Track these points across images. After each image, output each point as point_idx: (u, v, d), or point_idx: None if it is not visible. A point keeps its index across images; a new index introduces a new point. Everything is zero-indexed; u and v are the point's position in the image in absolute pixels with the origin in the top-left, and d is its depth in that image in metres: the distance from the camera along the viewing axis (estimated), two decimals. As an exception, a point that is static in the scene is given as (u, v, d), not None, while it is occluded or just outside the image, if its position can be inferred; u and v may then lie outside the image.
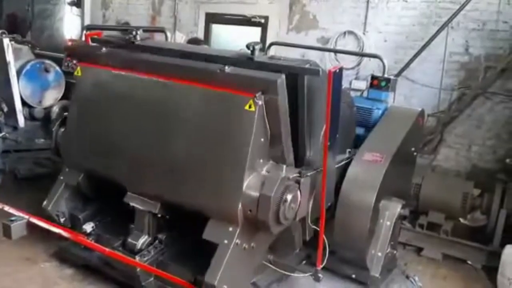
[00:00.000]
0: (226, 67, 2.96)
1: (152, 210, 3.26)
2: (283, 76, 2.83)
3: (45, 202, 3.69)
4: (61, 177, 3.75)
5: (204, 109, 3.08)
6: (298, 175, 3.02)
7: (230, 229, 2.89)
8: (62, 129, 3.80)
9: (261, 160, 2.98)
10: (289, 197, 2.87)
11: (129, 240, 3.32)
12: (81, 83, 3.70)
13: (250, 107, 2.86)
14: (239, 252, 2.93)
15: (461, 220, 4.86)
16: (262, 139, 2.94)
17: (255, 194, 2.83)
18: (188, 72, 3.16)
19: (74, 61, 3.72)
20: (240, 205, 2.86)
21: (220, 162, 2.97)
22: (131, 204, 3.33)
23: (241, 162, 2.87)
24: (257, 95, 2.84)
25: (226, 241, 2.89)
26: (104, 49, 3.57)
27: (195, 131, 3.11)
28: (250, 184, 2.87)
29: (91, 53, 3.64)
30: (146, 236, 3.32)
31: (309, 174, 3.07)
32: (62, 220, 3.66)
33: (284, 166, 3.02)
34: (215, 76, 2.99)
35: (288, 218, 2.94)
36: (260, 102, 2.85)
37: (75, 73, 3.67)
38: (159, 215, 3.29)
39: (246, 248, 2.98)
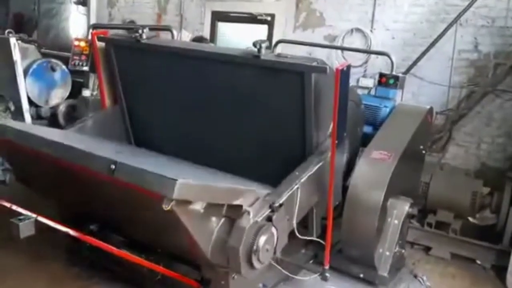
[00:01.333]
0: (113, 167, 2.40)
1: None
2: (179, 181, 2.22)
3: None
4: None
5: (121, 200, 2.73)
6: (269, 210, 2.74)
7: (223, 270, 2.79)
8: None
9: (214, 217, 2.62)
10: (261, 241, 2.61)
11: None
12: None
13: (166, 207, 2.30)
14: (241, 280, 2.84)
15: (470, 219, 4.81)
16: (201, 212, 2.51)
17: (224, 247, 2.59)
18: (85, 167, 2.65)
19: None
20: (212, 262, 2.68)
21: (175, 239, 2.68)
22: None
23: (191, 239, 2.53)
24: (164, 200, 2.25)
25: (223, 282, 2.82)
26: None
27: (134, 219, 2.89)
28: (215, 244, 2.61)
29: None
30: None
31: (282, 201, 2.83)
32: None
33: (256, 203, 2.69)
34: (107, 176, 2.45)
35: (263, 262, 2.71)
36: (172, 203, 2.27)
37: None
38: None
39: (247, 271, 2.86)
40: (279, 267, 3.30)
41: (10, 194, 4.34)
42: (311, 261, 3.73)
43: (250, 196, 2.73)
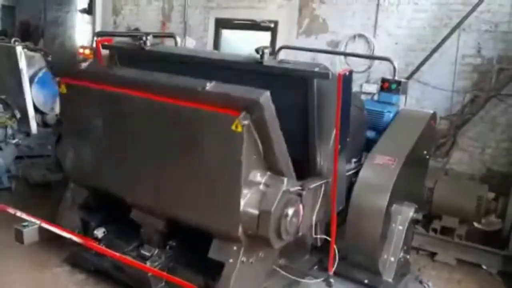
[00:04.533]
0: (208, 84, 2.74)
1: (157, 227, 3.24)
2: (267, 93, 2.62)
3: (57, 219, 3.66)
4: (68, 194, 3.73)
5: (193, 128, 2.90)
6: (300, 188, 2.89)
7: (235, 248, 2.84)
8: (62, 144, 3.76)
9: (258, 175, 2.81)
10: (290, 211, 2.77)
11: (141, 251, 3.33)
12: (68, 101, 3.58)
13: (236, 127, 2.62)
14: (247, 268, 2.89)
15: (475, 224, 4.78)
16: (255, 156, 2.76)
17: (255, 212, 2.72)
18: (171, 89, 2.96)
19: (57, 78, 3.58)
20: (240, 225, 2.76)
21: (215, 182, 2.84)
22: (137, 220, 3.33)
23: (235, 182, 2.72)
24: (241, 115, 2.60)
25: (231, 260, 2.84)
26: (84, 65, 3.51)
27: (187, 150, 2.96)
28: (248, 202, 2.74)
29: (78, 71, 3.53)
30: (155, 249, 3.29)
31: (312, 186, 2.97)
32: (77, 231, 3.65)
33: (286, 179, 2.84)
34: (198, 93, 2.78)
35: (290, 233, 2.84)
36: (246, 122, 2.61)
37: (60, 90, 3.50)
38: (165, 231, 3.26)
39: (253, 261, 2.94)
40: (283, 272, 3.30)
41: (15, 201, 4.38)
42: (315, 267, 3.71)
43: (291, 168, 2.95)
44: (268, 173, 2.86)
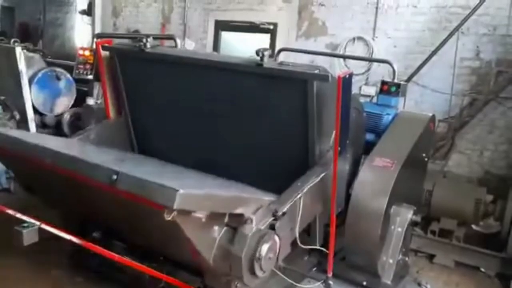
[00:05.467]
0: (114, 177, 2.37)
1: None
2: (180, 191, 2.19)
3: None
4: None
5: (133, 215, 2.67)
6: (272, 218, 2.71)
7: (226, 278, 2.78)
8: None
9: (216, 225, 2.59)
10: (264, 249, 2.59)
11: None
12: None
13: (167, 217, 2.26)
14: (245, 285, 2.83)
15: (474, 226, 4.80)
16: (202, 220, 2.48)
17: (227, 255, 2.58)
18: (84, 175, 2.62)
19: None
20: (216, 270, 2.69)
21: (178, 247, 2.67)
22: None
23: (193, 249, 2.53)
24: (165, 211, 2.23)
25: None
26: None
27: (138, 229, 2.89)
28: (216, 254, 2.60)
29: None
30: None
31: (285, 210, 2.80)
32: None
33: (253, 217, 2.61)
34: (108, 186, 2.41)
35: (266, 270, 2.69)
36: (174, 213, 2.24)
37: None
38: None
39: (249, 278, 2.86)
40: (282, 275, 3.30)
41: (14, 202, 4.36)
42: (314, 269, 3.71)
43: (253, 204, 2.70)
44: (226, 217, 2.63)
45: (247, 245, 2.53)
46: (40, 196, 3.58)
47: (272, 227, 2.70)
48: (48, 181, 3.21)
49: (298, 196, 2.97)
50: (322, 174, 3.17)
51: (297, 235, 3.01)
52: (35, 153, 2.94)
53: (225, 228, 2.63)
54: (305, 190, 3.02)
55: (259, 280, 2.73)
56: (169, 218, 2.22)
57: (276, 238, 2.71)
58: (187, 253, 2.65)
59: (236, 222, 2.63)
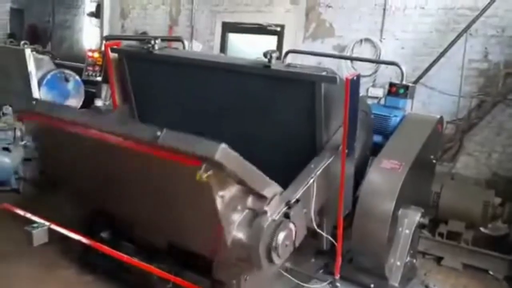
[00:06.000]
0: (159, 134, 2.47)
1: (159, 246, 3.29)
2: (222, 145, 2.35)
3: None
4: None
5: (160, 175, 2.75)
6: (286, 208, 2.78)
7: (235, 270, 2.85)
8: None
9: (239, 205, 2.68)
10: (280, 238, 2.68)
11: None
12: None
13: (200, 177, 2.38)
14: (251, 282, 2.90)
15: (482, 229, 4.77)
16: (231, 192, 2.58)
17: (244, 239, 2.66)
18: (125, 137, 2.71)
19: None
20: (232, 255, 2.74)
21: (199, 221, 2.76)
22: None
23: (216, 222, 2.60)
24: (202, 167, 2.36)
25: (234, 282, 2.87)
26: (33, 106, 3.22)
27: (165, 194, 2.86)
28: (237, 231, 2.67)
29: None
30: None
31: (298, 196, 2.88)
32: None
33: (267, 208, 2.68)
34: (151, 144, 2.53)
35: (284, 257, 2.78)
36: (209, 173, 2.37)
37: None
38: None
39: (257, 273, 2.93)
40: (289, 276, 3.31)
41: (23, 202, 4.41)
42: (321, 271, 3.71)
43: (273, 189, 2.77)
44: (250, 198, 2.72)
45: (263, 236, 2.61)
46: (59, 178, 3.56)
47: (286, 215, 2.76)
48: (76, 156, 3.22)
49: (311, 180, 3.01)
50: (332, 157, 3.17)
51: (313, 217, 3.04)
52: (80, 119, 3.00)
53: (246, 210, 2.70)
54: (318, 173, 3.06)
55: (277, 266, 2.81)
56: (205, 175, 2.32)
57: (292, 225, 2.79)
58: (207, 230, 2.71)
59: (258, 206, 2.70)
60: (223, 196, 2.54)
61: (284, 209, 2.77)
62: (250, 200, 2.72)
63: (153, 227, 3.23)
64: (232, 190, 2.58)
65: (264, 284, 3.06)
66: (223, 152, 2.34)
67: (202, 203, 2.58)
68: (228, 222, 2.63)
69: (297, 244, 2.90)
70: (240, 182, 2.57)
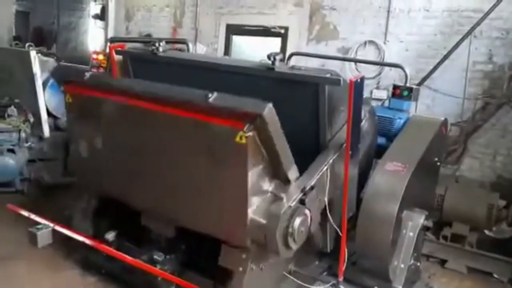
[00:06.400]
0: (210, 95, 2.75)
1: (167, 234, 3.29)
2: (270, 105, 2.60)
3: (72, 222, 3.72)
4: (80, 200, 3.79)
5: (197, 139, 2.88)
6: (302, 194, 2.89)
7: (243, 256, 2.87)
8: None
9: (264, 185, 2.82)
10: (296, 223, 2.78)
11: (153, 255, 3.36)
12: (73, 110, 3.62)
13: (240, 138, 2.60)
14: (256, 274, 2.92)
15: (486, 232, 4.75)
16: (260, 165, 2.76)
17: (262, 221, 2.74)
18: (173, 100, 2.94)
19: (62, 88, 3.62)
20: (248, 235, 2.79)
21: (223, 192, 2.84)
22: (147, 225, 3.38)
23: (242, 192, 2.71)
24: (245, 127, 2.57)
25: (241, 269, 2.87)
26: (88, 74, 3.48)
27: (192, 162, 2.95)
28: (256, 211, 2.76)
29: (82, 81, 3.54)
30: (165, 254, 3.33)
31: (313, 183, 2.97)
32: (91, 232, 3.69)
33: (284, 195, 2.81)
34: (200, 105, 2.78)
35: (299, 242, 2.87)
36: (250, 134, 2.58)
37: (66, 99, 3.57)
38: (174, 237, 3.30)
39: (263, 267, 2.96)
40: (293, 278, 3.31)
41: (27, 203, 4.43)
42: (325, 273, 3.71)
43: (295, 172, 2.90)
44: (274, 181, 2.86)
45: (280, 223, 2.71)
46: (88, 157, 3.57)
47: (302, 202, 2.86)
48: (115, 125, 3.34)
49: (325, 168, 3.11)
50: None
51: (327, 203, 3.14)
52: (131, 86, 3.25)
53: (269, 194, 2.82)
54: (331, 161, 3.14)
55: (292, 252, 2.90)
56: (246, 135, 2.54)
57: (307, 211, 2.89)
58: (229, 204, 2.80)
59: (279, 189, 2.83)
60: (254, 165, 2.69)
61: (300, 195, 2.88)
62: (273, 185, 2.84)
63: (168, 207, 3.20)
64: (263, 163, 2.74)
65: (267, 276, 3.07)
66: (270, 111, 2.58)
67: (234, 167, 2.70)
68: (252, 192, 2.72)
69: (312, 231, 3.00)
70: (273, 152, 2.72)
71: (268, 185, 2.84)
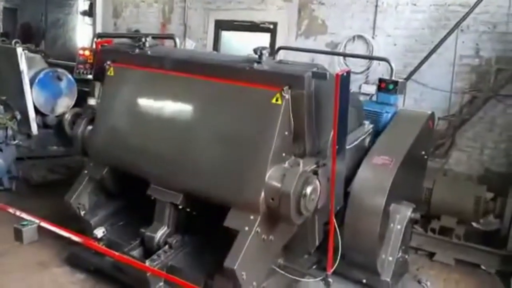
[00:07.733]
0: (255, 64, 3.04)
1: (174, 201, 3.32)
2: (310, 73, 2.90)
3: (67, 195, 3.73)
4: (85, 171, 3.81)
5: (230, 104, 3.19)
6: (315, 166, 3.09)
7: (252, 217, 2.94)
8: (89, 127, 3.89)
9: (284, 154, 3.04)
10: (308, 190, 2.93)
11: (148, 233, 3.38)
12: (112, 83, 3.79)
13: (277, 100, 2.94)
14: (259, 241, 2.97)
15: (474, 224, 4.80)
16: (286, 133, 3.01)
17: (277, 184, 2.91)
18: (215, 68, 3.28)
19: (108, 62, 3.77)
20: (262, 194, 2.92)
21: (244, 154, 3.05)
22: (154, 196, 3.40)
23: (265, 154, 2.95)
24: (284, 89, 2.92)
25: (247, 228, 2.92)
26: (137, 50, 3.69)
27: (220, 124, 3.21)
28: (272, 175, 2.95)
29: (125, 54, 3.74)
30: (166, 228, 3.38)
31: (325, 162, 3.13)
32: (82, 213, 3.69)
33: (301, 161, 3.03)
34: (243, 72, 3.09)
35: (309, 209, 3.00)
36: (286, 96, 2.92)
37: (108, 73, 3.75)
38: (180, 207, 3.34)
39: (265, 239, 3.01)
40: (282, 272, 3.32)
41: (15, 201, 4.40)
42: (314, 267, 3.73)
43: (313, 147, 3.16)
44: (293, 150, 3.09)
45: (295, 183, 2.87)
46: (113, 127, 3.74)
47: (315, 172, 3.04)
48: (149, 91, 3.59)
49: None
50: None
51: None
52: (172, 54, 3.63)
53: (287, 161, 3.04)
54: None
55: (303, 219, 3.04)
56: (285, 95, 2.89)
57: (318, 182, 3.04)
58: (251, 162, 3.00)
59: (298, 159, 3.05)
60: (282, 130, 2.96)
61: (314, 166, 3.07)
62: (291, 151, 3.07)
63: (180, 167, 3.32)
64: (289, 131, 3.01)
65: (267, 253, 3.14)
66: (309, 76, 2.90)
67: (263, 128, 2.98)
68: (273, 156, 2.94)
69: (320, 205, 3.11)
70: (300, 122, 2.99)
71: (287, 152, 3.06)
